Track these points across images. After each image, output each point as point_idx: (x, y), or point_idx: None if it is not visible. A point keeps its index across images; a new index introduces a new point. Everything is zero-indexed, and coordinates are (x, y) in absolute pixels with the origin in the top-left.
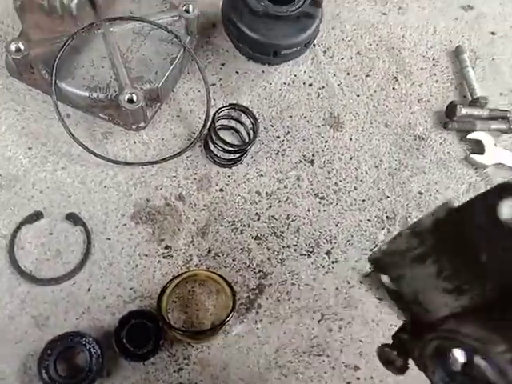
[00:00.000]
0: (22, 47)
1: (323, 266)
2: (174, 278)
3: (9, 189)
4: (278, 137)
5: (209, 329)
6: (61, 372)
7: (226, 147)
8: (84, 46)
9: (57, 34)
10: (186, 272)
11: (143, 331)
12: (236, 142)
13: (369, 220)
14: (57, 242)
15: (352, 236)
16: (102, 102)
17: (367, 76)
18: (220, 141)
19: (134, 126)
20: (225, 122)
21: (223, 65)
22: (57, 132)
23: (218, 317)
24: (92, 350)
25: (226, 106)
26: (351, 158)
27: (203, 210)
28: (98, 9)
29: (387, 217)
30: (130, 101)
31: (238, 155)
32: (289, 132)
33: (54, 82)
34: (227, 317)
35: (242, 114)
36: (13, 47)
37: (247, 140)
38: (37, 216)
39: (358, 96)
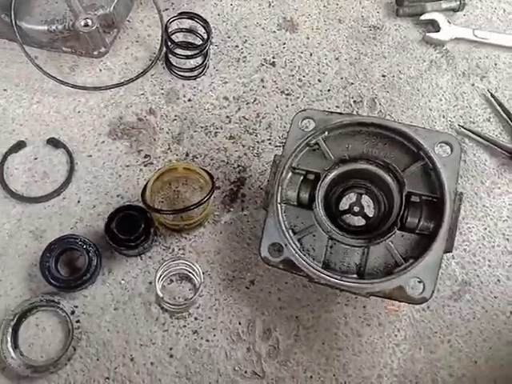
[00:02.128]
0: None
1: None
2: (153, 174)
3: None
4: (237, 46)
5: (193, 204)
6: (63, 272)
7: (186, 52)
8: None
9: None
10: (163, 167)
11: (132, 221)
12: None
13: (337, 106)
14: (42, 165)
15: (310, 108)
16: (61, 33)
17: None
18: (177, 46)
19: (95, 53)
20: (179, 36)
21: None
22: (27, 73)
23: (200, 212)
24: (89, 248)
25: (175, 16)
26: (311, 55)
27: (175, 120)
28: None
29: (354, 101)
30: (86, 25)
31: (200, 62)
32: (246, 40)
33: (14, 22)
34: (208, 194)
35: (194, 25)
36: None
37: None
38: (20, 145)
39: None
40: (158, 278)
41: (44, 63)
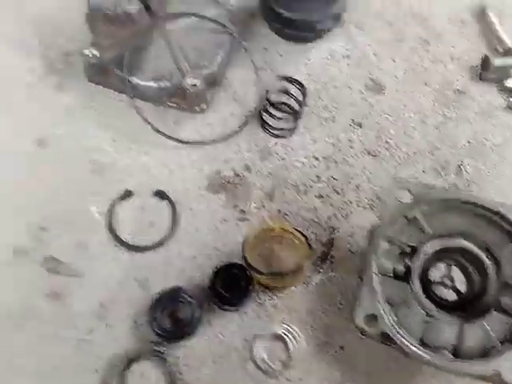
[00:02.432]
0: (95, 53)
1: None
2: (251, 233)
3: (102, 175)
4: (326, 106)
5: (292, 270)
6: (166, 323)
7: (282, 114)
8: (146, 44)
9: (121, 38)
10: (260, 227)
11: (234, 279)
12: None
13: (423, 171)
14: (148, 215)
15: (407, 179)
16: (168, 89)
17: (400, 42)
18: (275, 109)
19: (197, 109)
20: (275, 96)
21: (266, 49)
22: (134, 124)
23: (296, 275)
24: (192, 301)
25: (276, 78)
26: (397, 117)
27: (268, 176)
28: (153, 12)
29: (441, 166)
30: (192, 84)
31: (292, 125)
32: (335, 100)
33: (127, 78)
34: (307, 258)
35: (290, 88)
36: (88, 53)
37: (297, 107)
38: (128, 194)
39: (394, 61)
40: (255, 338)
41: (150, 117)
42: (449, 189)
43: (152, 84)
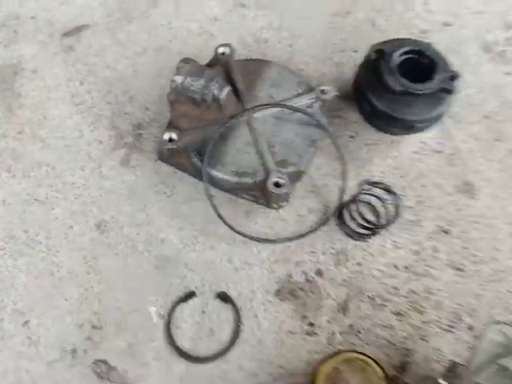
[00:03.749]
0: (174, 137)
1: (467, 342)
2: (326, 359)
3: (164, 269)
4: (411, 207)
5: None
6: None
7: (367, 224)
8: (229, 133)
9: (204, 122)
10: (338, 353)
11: None
12: (372, 218)
13: (510, 292)
14: (209, 320)
15: (494, 309)
16: (248, 185)
17: (497, 140)
18: (361, 218)
19: (275, 206)
20: (364, 197)
21: (352, 137)
22: (203, 212)
23: None
24: None
25: (369, 184)
26: (488, 227)
27: (342, 285)
28: (240, 95)
29: None
30: (277, 185)
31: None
32: (421, 201)
33: (205, 169)
34: None
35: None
36: (166, 136)
37: (384, 216)
38: (190, 295)
39: (490, 161)
40: None
41: (220, 204)
42: None
43: (232, 178)
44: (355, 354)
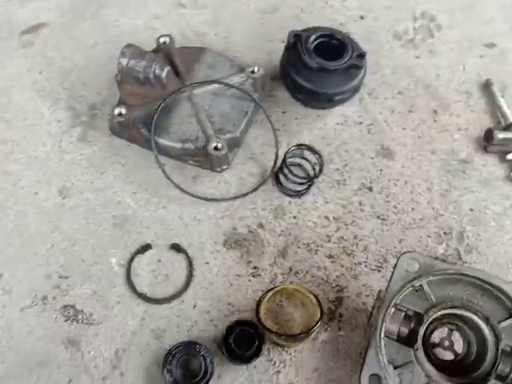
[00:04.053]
0: (123, 111)
1: None
2: (268, 291)
3: (121, 227)
4: (338, 169)
5: (304, 332)
6: (180, 374)
7: (298, 180)
8: (173, 107)
9: (149, 99)
10: (277, 286)
11: (247, 336)
12: (302, 175)
13: (428, 236)
14: (164, 267)
15: (415, 251)
16: (192, 151)
17: (410, 112)
18: (292, 175)
19: (218, 169)
20: (292, 159)
21: (284, 113)
22: (155, 178)
23: (305, 325)
24: (206, 355)
25: (295, 146)
26: (405, 183)
27: (281, 235)
28: (181, 76)
29: (444, 232)
30: (216, 148)
31: (306, 186)
32: (346, 164)
33: (153, 138)
34: (317, 322)
35: (306, 152)
36: (116, 111)
37: (312, 173)
38: (146, 247)
39: (404, 129)
40: None
41: (170, 171)
42: (455, 263)
43: (177, 145)
44: (295, 287)
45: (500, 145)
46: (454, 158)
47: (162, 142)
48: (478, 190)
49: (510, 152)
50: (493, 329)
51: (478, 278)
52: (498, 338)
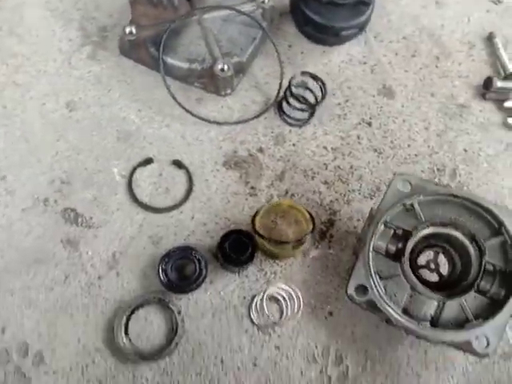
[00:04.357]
0: (134, 31)
1: None
2: (263, 206)
3: (125, 141)
4: (339, 104)
5: (295, 240)
6: (175, 276)
7: (300, 105)
8: (182, 29)
9: (160, 20)
10: (273, 201)
11: (241, 244)
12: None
13: (422, 171)
14: (165, 181)
15: (409, 173)
16: (198, 72)
17: (413, 56)
18: (295, 99)
19: (222, 93)
20: (296, 89)
21: (290, 46)
22: (160, 98)
23: (297, 246)
24: (200, 259)
25: (299, 73)
26: (404, 121)
27: (279, 160)
28: (193, 1)
29: (438, 169)
30: (222, 70)
31: (307, 115)
32: (348, 100)
33: (161, 56)
34: (310, 231)
35: (310, 82)
36: (127, 30)
37: (311, 98)
38: (148, 161)
39: (407, 71)
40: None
41: (175, 92)
42: (445, 185)
43: (183, 64)
44: (290, 203)
45: (498, 93)
46: (452, 102)
47: (170, 61)
48: (474, 133)
49: (507, 100)
50: (478, 245)
51: (468, 199)
52: (481, 253)
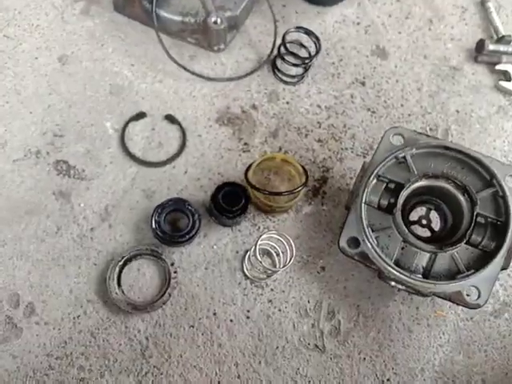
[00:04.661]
0: None
1: None
2: (257, 159)
3: (118, 95)
4: (333, 63)
5: (289, 191)
6: (168, 228)
7: (295, 61)
8: None
9: None
10: (266, 154)
11: (234, 195)
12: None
13: (415, 130)
14: (158, 135)
15: (401, 126)
16: (191, 25)
17: (406, 18)
18: (289, 54)
19: (215, 48)
20: (288, 45)
21: (284, 6)
22: (153, 54)
23: (290, 198)
24: (194, 212)
25: (293, 28)
26: (397, 81)
27: (273, 117)
28: None
29: (430, 129)
30: (215, 23)
31: (302, 71)
32: (342, 59)
33: (154, 8)
34: (303, 184)
35: (304, 39)
36: None
37: (306, 54)
38: (141, 115)
39: (400, 33)
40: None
41: (168, 48)
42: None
43: (177, 18)
44: (284, 156)
45: (490, 56)
46: (445, 64)
47: (163, 14)
48: (466, 95)
49: (499, 63)
50: (470, 197)
51: (460, 151)
52: (473, 204)
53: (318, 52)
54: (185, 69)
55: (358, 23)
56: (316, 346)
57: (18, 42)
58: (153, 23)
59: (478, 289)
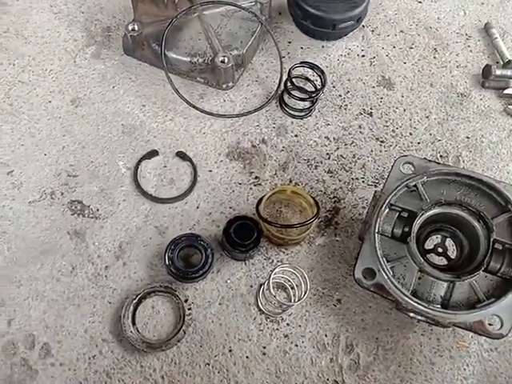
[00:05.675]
0: (136, 27)
1: None
2: (269, 191)
3: (130, 135)
4: (340, 95)
5: (301, 223)
6: (181, 265)
7: (302, 95)
8: (183, 25)
9: (162, 17)
10: (277, 187)
11: (246, 229)
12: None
13: (425, 158)
14: (170, 172)
15: (410, 154)
16: (200, 65)
17: (411, 48)
18: (296, 89)
19: (224, 86)
20: (294, 80)
21: (290, 42)
22: (163, 94)
23: (302, 231)
24: (206, 247)
25: (298, 64)
26: (404, 111)
27: (282, 150)
28: None
29: (440, 156)
30: (223, 62)
31: (309, 104)
32: (348, 91)
33: (163, 50)
34: (315, 215)
35: (309, 73)
36: (130, 27)
37: (312, 87)
38: (153, 153)
39: (405, 63)
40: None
41: (178, 88)
42: (447, 164)
43: (185, 59)
44: (294, 188)
45: (497, 81)
46: (452, 91)
47: (172, 55)
48: (475, 121)
49: (507, 88)
50: (485, 223)
51: (471, 177)
52: (489, 231)
53: (323, 86)
54: (194, 107)
55: (363, 55)
56: (335, 381)
57: (32, 86)
58: (162, 65)
59: (500, 318)
